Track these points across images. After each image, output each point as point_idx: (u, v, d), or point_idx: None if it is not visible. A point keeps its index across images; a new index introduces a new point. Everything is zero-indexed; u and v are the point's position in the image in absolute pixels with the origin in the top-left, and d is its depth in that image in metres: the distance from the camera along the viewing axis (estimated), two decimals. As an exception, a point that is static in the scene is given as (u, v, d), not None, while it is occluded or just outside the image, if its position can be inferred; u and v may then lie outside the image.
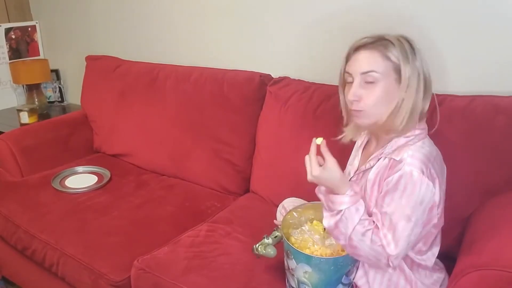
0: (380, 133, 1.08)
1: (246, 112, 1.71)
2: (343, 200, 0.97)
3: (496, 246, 0.92)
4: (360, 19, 1.56)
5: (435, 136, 1.09)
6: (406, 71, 1.00)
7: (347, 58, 1.07)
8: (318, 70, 1.69)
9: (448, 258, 1.15)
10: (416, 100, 1.01)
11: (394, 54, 1.01)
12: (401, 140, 1.04)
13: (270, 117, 1.66)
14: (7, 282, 1.85)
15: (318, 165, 0.99)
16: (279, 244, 1.18)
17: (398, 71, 1.01)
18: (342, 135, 1.20)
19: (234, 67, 1.85)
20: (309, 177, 1.00)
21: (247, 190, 1.76)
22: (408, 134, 1.04)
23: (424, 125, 1.07)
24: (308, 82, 1.65)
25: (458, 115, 1.26)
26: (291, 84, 1.65)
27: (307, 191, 1.32)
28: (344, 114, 1.16)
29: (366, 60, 1.02)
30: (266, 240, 1.18)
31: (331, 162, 0.98)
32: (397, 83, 1.01)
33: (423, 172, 0.96)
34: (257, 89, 1.70)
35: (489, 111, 1.23)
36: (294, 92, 1.61)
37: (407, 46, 1.02)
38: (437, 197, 0.99)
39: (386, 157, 1.04)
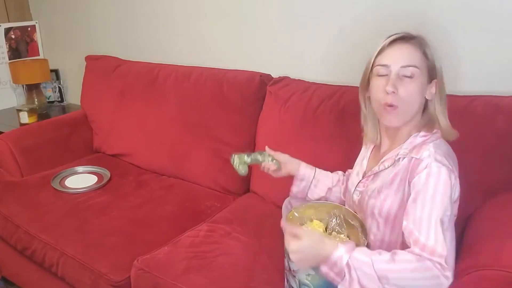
0: (402, 134, 1.06)
1: (246, 112, 1.71)
2: (340, 251, 0.90)
3: (496, 246, 0.91)
4: (360, 19, 1.56)
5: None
6: (439, 69, 1.03)
7: (381, 51, 1.03)
8: (319, 70, 1.70)
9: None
10: (440, 98, 1.03)
11: (430, 53, 1.02)
12: (418, 139, 1.03)
13: (270, 117, 1.66)
14: (7, 282, 1.85)
15: (292, 239, 0.92)
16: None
17: (430, 70, 1.02)
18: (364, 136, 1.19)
19: (234, 67, 1.85)
20: (291, 257, 0.93)
21: (247, 190, 1.76)
22: (425, 134, 1.03)
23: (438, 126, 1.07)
24: (308, 82, 1.65)
25: (458, 115, 1.26)
26: (291, 84, 1.65)
27: (307, 191, 1.32)
28: (364, 113, 1.13)
29: (407, 54, 1.00)
30: (245, 158, 1.16)
31: (300, 229, 0.94)
32: (428, 83, 1.02)
33: (449, 168, 0.94)
34: (257, 89, 1.70)
35: (489, 111, 1.23)
36: (294, 92, 1.61)
37: (430, 44, 1.03)
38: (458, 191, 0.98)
39: (404, 157, 1.01)
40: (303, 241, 0.91)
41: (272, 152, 1.25)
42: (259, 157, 1.18)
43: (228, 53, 1.96)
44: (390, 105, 1.00)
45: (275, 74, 1.75)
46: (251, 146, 1.72)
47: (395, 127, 1.05)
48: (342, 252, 0.90)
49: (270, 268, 1.24)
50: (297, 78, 1.68)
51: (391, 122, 1.02)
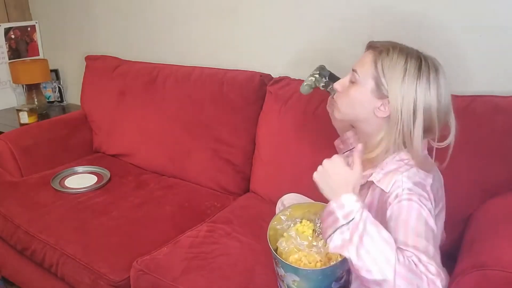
0: (371, 137, 1.03)
1: (246, 112, 1.71)
2: (354, 197, 0.85)
3: (496, 246, 0.91)
4: (360, 19, 1.56)
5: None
6: (388, 88, 0.92)
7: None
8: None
9: (448, 258, 1.15)
10: (397, 131, 0.93)
11: (383, 63, 0.93)
12: (392, 165, 0.96)
13: (270, 117, 1.66)
14: (7, 282, 1.85)
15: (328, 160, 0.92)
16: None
17: (377, 83, 0.94)
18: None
19: (234, 67, 1.85)
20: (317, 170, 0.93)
21: (247, 190, 1.76)
22: (401, 158, 0.96)
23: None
24: (308, 82, 1.65)
25: (458, 115, 1.25)
26: (291, 84, 1.65)
27: (308, 191, 1.32)
28: None
29: (360, 59, 1.01)
30: (316, 79, 1.21)
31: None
32: (375, 97, 0.95)
33: (420, 198, 0.88)
34: (257, 89, 1.70)
35: (489, 111, 1.23)
36: (294, 92, 1.61)
37: (414, 65, 0.91)
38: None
39: (377, 186, 0.97)
40: (330, 161, 0.91)
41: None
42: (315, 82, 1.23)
43: (228, 53, 1.96)
44: (333, 102, 1.09)
45: (275, 74, 1.75)
46: (251, 146, 1.72)
47: (339, 119, 1.09)
48: (355, 199, 0.85)
49: (270, 268, 1.23)
50: (297, 78, 1.68)
51: (334, 115, 1.08)
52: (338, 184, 0.89)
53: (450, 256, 1.13)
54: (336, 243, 0.85)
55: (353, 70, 1.00)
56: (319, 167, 0.93)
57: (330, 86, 1.21)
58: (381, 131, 0.98)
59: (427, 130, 0.94)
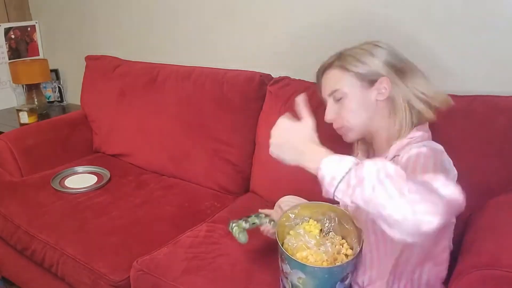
0: (381, 143, 1.06)
1: (246, 112, 1.71)
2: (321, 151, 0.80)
3: (496, 246, 0.91)
4: (360, 18, 1.56)
5: (435, 136, 1.08)
6: (369, 69, 1.00)
7: (319, 86, 1.10)
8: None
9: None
10: (400, 100, 1.00)
11: (351, 63, 1.01)
12: (403, 142, 1.00)
13: (270, 117, 1.65)
14: (7, 282, 1.85)
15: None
16: (254, 230, 1.18)
17: (363, 77, 1.00)
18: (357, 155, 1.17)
19: (234, 67, 1.85)
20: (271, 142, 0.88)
21: (247, 190, 1.76)
22: (409, 136, 1.01)
23: (426, 127, 1.04)
24: (308, 82, 1.64)
25: (458, 115, 1.26)
26: (291, 84, 1.65)
27: (308, 191, 1.32)
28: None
29: (328, 82, 1.04)
30: (243, 224, 1.15)
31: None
32: (367, 88, 1.01)
33: (431, 148, 0.91)
34: (257, 89, 1.70)
35: (489, 111, 1.23)
36: (294, 92, 1.60)
37: (367, 45, 1.02)
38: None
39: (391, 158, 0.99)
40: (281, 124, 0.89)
41: (267, 212, 1.23)
42: (257, 221, 1.17)
43: (228, 53, 1.96)
44: (338, 129, 1.07)
45: (275, 74, 1.75)
46: (251, 146, 1.72)
47: (356, 139, 1.09)
48: (336, 157, 0.79)
49: (270, 269, 1.23)
50: (297, 78, 1.68)
51: (348, 139, 1.07)
52: (298, 142, 0.85)
53: (450, 256, 1.13)
54: (342, 187, 0.75)
55: (332, 93, 1.04)
56: (270, 141, 0.89)
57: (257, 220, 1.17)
58: (391, 115, 1.01)
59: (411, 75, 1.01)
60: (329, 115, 1.06)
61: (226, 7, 1.90)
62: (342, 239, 1.05)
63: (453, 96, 1.31)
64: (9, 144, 1.91)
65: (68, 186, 1.81)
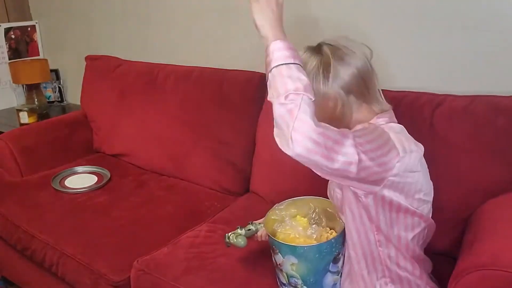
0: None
1: (246, 111, 1.71)
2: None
3: (496, 246, 0.91)
4: (359, 19, 1.56)
5: (435, 136, 1.08)
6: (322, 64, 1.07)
7: None
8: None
9: (448, 258, 1.15)
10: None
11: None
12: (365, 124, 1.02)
13: (270, 117, 1.64)
14: (7, 282, 1.85)
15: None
16: (253, 238, 1.21)
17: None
18: None
19: (234, 67, 1.85)
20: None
21: (247, 190, 1.75)
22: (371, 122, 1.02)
23: (389, 114, 1.04)
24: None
25: (458, 115, 1.26)
26: (291, 84, 1.65)
27: (308, 191, 1.32)
28: None
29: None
30: (239, 231, 1.18)
31: None
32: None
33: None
34: (257, 89, 1.70)
35: (489, 111, 1.23)
36: (294, 92, 1.60)
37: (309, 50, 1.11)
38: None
39: None
40: None
41: (260, 220, 1.24)
42: (252, 227, 1.20)
43: (228, 53, 1.96)
44: None
45: (275, 74, 1.74)
46: (251, 146, 1.72)
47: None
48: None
49: (270, 269, 1.23)
50: (297, 78, 1.68)
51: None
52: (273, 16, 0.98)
53: (450, 256, 1.13)
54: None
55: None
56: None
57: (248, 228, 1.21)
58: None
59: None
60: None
61: (226, 7, 1.90)
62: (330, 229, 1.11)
63: (454, 96, 1.32)
64: (9, 144, 1.92)
65: (68, 186, 1.81)
